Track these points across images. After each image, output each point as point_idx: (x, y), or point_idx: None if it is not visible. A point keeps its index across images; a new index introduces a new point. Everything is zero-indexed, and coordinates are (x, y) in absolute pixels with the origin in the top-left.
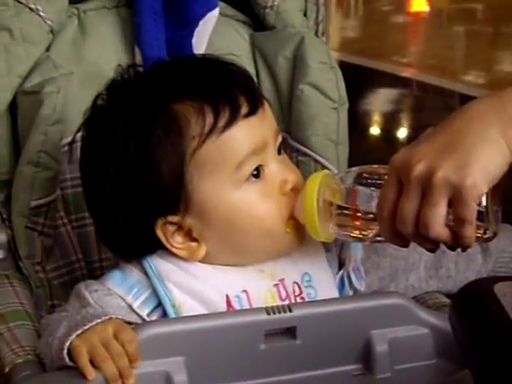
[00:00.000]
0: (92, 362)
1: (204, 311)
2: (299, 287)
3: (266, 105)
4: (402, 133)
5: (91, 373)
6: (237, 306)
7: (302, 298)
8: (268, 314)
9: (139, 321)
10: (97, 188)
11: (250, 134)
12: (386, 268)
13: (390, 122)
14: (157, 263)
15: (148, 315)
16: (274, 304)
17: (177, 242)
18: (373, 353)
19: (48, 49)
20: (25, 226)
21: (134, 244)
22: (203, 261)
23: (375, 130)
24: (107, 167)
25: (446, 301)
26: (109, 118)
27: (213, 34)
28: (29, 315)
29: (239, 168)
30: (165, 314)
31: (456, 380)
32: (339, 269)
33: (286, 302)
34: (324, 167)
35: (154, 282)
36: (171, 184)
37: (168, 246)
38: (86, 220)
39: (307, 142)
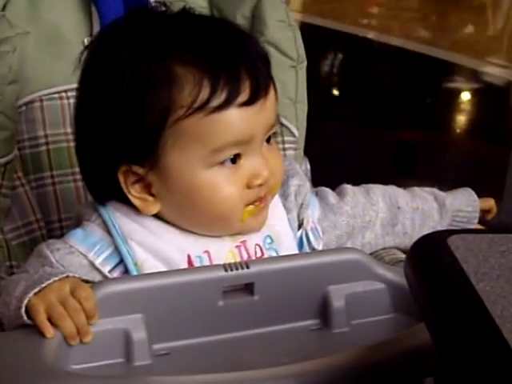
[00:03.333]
0: (50, 321)
1: (164, 268)
2: (261, 249)
3: (272, 94)
4: (363, 94)
5: (49, 330)
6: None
7: None
8: (226, 270)
9: (100, 278)
10: (84, 107)
11: (238, 125)
12: (343, 226)
13: (351, 83)
14: (121, 222)
15: (110, 272)
16: None
17: (135, 190)
18: (330, 308)
19: (3, 8)
20: None
21: (101, 182)
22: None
23: (336, 91)
24: (99, 88)
25: (403, 256)
26: (116, 46)
27: None
28: None
29: (214, 153)
30: (126, 271)
31: (412, 333)
32: (298, 229)
33: None
34: (283, 125)
35: (116, 241)
36: (146, 139)
37: (125, 191)
38: (45, 180)
39: None
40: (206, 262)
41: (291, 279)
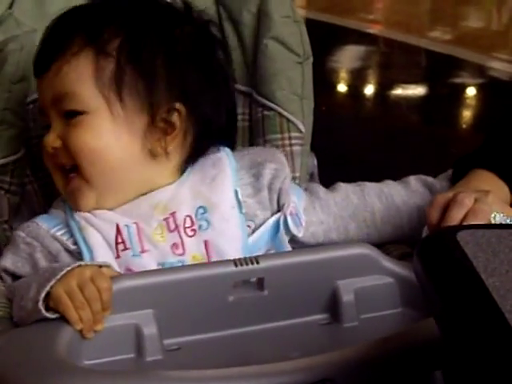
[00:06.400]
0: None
1: (100, 236)
2: (191, 219)
3: (58, 66)
4: (369, 89)
5: (79, 323)
6: (125, 233)
7: (193, 229)
8: (236, 265)
9: (59, 246)
10: None
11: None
12: (330, 224)
13: (357, 79)
14: None
15: (66, 240)
16: (162, 234)
17: None
18: (339, 302)
19: (10, 6)
20: None
21: None
22: None
23: (342, 87)
24: None
25: (410, 250)
26: None
27: None
28: None
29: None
30: (76, 243)
31: (421, 327)
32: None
33: (175, 233)
34: (289, 121)
35: (67, 217)
36: None
37: None
38: None
39: (272, 96)
40: (134, 231)
41: (301, 274)
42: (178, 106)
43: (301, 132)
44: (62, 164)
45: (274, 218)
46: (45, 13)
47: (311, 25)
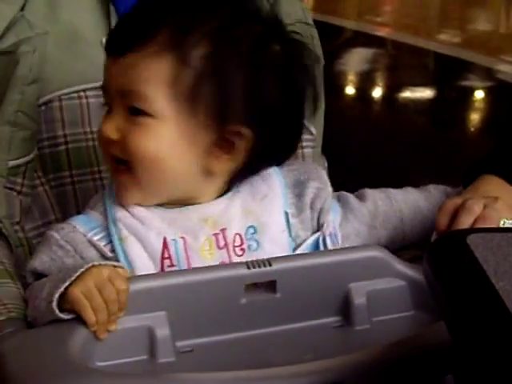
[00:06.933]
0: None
1: (142, 248)
2: (241, 238)
3: (138, 61)
4: (377, 91)
5: (93, 323)
6: (172, 249)
7: (242, 249)
8: (248, 268)
9: (95, 253)
10: None
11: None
12: (366, 235)
13: (365, 81)
14: (115, 209)
15: (104, 246)
16: (211, 251)
17: None
18: (352, 305)
19: (23, 8)
20: (3, 186)
21: None
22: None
23: (351, 89)
24: None
25: (421, 253)
26: None
27: None
28: (10, 274)
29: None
30: (114, 251)
31: (432, 330)
32: (316, 232)
33: (224, 251)
34: None
35: (108, 222)
36: None
37: None
38: (64, 179)
39: None
40: (181, 247)
41: (313, 276)
42: (246, 132)
43: (312, 134)
44: (112, 154)
45: (313, 238)
46: (56, 16)
47: (319, 27)
